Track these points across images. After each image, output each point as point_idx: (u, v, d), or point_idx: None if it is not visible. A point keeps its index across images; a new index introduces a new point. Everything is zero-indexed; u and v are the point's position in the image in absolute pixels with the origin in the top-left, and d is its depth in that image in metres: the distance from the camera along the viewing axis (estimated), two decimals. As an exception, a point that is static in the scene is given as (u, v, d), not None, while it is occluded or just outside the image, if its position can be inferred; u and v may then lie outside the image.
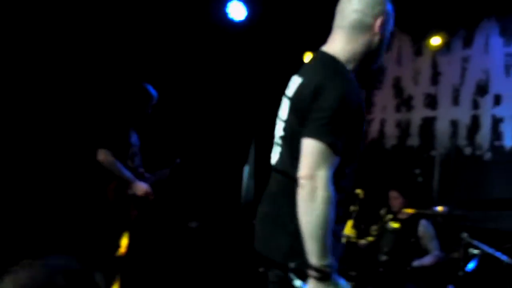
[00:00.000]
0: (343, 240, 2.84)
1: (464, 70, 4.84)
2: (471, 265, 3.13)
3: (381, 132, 5.41)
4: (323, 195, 1.56)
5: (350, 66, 1.78)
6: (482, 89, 4.70)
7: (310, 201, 1.57)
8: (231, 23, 4.94)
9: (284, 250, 1.72)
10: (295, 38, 5.29)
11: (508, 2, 3.97)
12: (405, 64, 5.29)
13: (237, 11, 4.90)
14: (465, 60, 4.83)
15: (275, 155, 1.87)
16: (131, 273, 3.56)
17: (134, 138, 3.56)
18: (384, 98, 5.41)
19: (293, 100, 1.77)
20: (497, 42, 4.62)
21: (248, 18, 4.93)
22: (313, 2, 4.82)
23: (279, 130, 1.85)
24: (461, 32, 4.85)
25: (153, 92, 3.59)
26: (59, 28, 4.01)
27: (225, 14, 4.89)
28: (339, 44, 1.80)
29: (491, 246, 3.11)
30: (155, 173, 3.74)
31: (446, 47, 4.90)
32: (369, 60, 1.84)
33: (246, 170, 5.41)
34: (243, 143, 5.56)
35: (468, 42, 4.82)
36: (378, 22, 1.79)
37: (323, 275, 1.56)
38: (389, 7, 1.84)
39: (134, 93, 3.55)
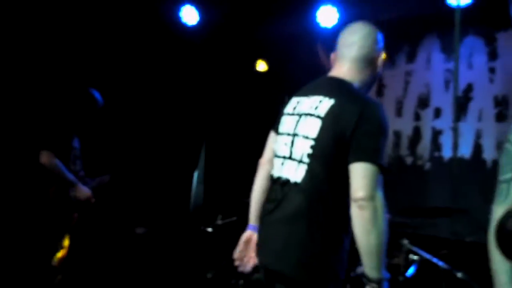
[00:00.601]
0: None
1: (407, 83, 5.05)
2: (410, 271, 3.24)
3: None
4: (382, 214, 1.73)
5: None
6: (423, 102, 4.92)
7: (373, 220, 1.71)
8: (184, 27, 4.93)
9: (307, 269, 1.80)
10: (247, 44, 5.34)
11: (449, 20, 4.19)
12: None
13: (189, 16, 4.89)
14: (408, 74, 5.05)
15: (296, 173, 1.88)
16: (77, 279, 3.48)
17: (75, 142, 3.52)
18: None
19: (328, 120, 1.84)
20: (438, 58, 4.86)
21: (200, 23, 4.93)
22: (264, 12, 4.89)
23: (302, 147, 1.88)
24: (405, 48, 5.07)
25: (98, 97, 3.58)
26: (5, 29, 3.87)
27: (178, 18, 4.87)
28: (349, 74, 1.96)
29: (429, 252, 3.24)
30: (95, 178, 3.71)
31: (391, 61, 5.10)
32: (367, 89, 2.04)
33: (196, 175, 5.38)
34: (191, 148, 5.52)
35: (411, 57, 5.04)
36: (381, 57, 2.01)
37: (381, 286, 1.77)
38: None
39: (78, 97, 3.52)
